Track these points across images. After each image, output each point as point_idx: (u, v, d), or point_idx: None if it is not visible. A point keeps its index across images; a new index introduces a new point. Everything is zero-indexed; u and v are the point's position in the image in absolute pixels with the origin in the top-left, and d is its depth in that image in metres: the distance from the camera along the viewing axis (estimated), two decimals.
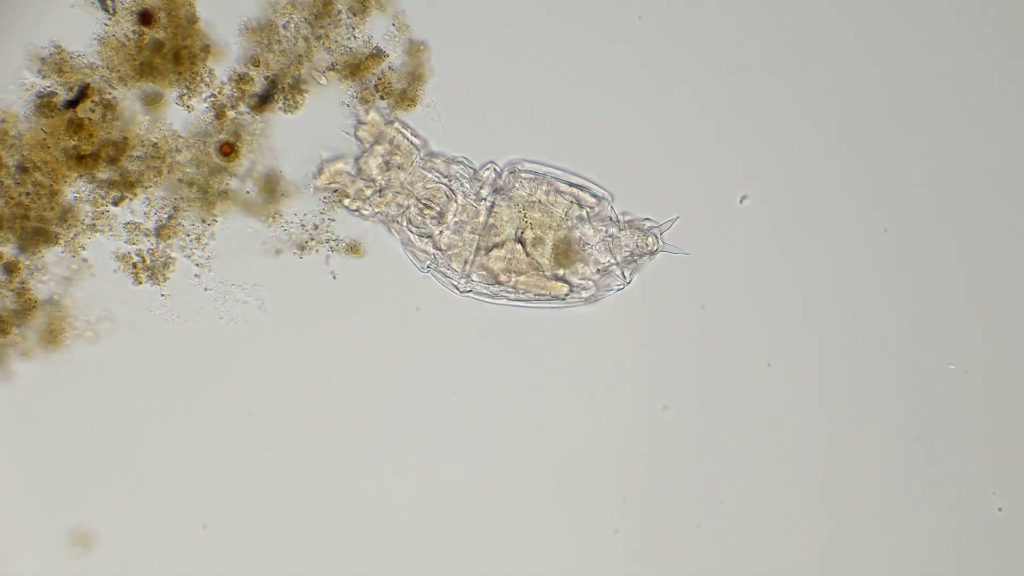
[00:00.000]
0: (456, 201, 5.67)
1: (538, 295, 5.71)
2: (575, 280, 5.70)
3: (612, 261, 5.70)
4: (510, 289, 5.70)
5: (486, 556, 5.82)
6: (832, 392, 5.90)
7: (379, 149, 5.64)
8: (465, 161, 5.69)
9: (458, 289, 5.71)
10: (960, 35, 5.88)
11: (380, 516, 5.81)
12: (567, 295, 5.71)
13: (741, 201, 5.83)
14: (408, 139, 5.67)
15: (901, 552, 5.89)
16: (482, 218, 5.67)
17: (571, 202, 5.69)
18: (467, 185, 5.68)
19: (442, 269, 5.70)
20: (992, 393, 5.90)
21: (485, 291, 5.72)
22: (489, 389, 5.84)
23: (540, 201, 5.67)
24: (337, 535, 5.79)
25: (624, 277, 5.73)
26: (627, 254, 5.72)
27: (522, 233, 5.67)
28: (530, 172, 5.72)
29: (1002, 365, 5.91)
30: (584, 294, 5.72)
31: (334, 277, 5.70)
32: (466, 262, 5.68)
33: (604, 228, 5.71)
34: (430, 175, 5.65)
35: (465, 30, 5.76)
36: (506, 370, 5.84)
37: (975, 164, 5.90)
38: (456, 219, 5.67)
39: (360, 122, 5.63)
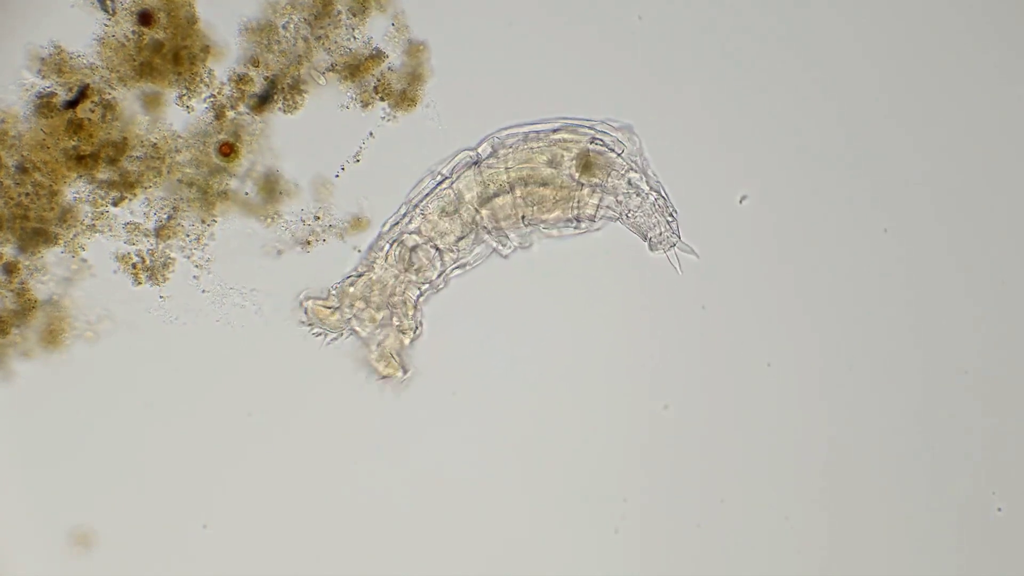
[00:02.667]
0: (420, 239, 5.69)
1: (566, 216, 5.70)
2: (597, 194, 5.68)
3: (619, 210, 5.71)
4: (534, 219, 5.69)
5: (486, 556, 5.82)
6: (832, 392, 5.90)
7: (359, 308, 5.70)
8: (396, 217, 5.73)
9: (501, 254, 5.72)
10: (960, 35, 5.88)
11: (380, 516, 5.81)
12: (596, 206, 5.68)
13: (741, 201, 5.83)
14: (345, 289, 5.71)
15: (901, 552, 5.89)
16: (460, 184, 5.68)
17: (575, 141, 5.70)
18: (416, 207, 5.71)
19: (474, 247, 5.72)
20: (992, 393, 5.90)
21: (519, 237, 5.71)
22: (489, 389, 5.84)
23: (533, 150, 5.68)
24: (337, 535, 5.79)
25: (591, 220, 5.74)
26: (638, 220, 5.72)
27: (521, 174, 5.67)
28: (512, 136, 5.72)
29: (1002, 365, 5.91)
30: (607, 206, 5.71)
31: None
32: (476, 224, 5.67)
33: (628, 172, 5.70)
34: (386, 265, 5.70)
35: (465, 30, 5.76)
36: (506, 370, 5.84)
37: (975, 164, 5.90)
38: (437, 230, 5.68)
39: (323, 328, 5.69)
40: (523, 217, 5.68)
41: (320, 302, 5.67)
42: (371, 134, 5.68)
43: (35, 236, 5.60)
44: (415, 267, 5.60)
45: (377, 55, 5.67)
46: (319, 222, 5.69)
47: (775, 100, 5.84)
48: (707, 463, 5.88)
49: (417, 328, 5.72)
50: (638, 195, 5.70)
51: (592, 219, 5.72)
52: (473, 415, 5.83)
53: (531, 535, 5.85)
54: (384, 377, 5.73)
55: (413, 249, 5.64)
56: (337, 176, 5.68)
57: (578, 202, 5.67)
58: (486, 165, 5.65)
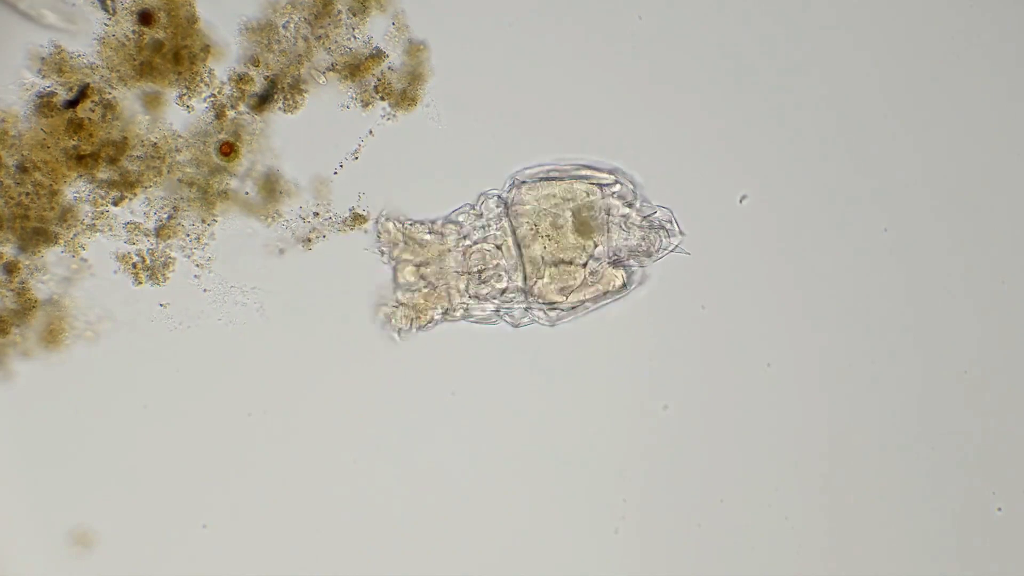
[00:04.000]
0: (491, 246, 5.69)
1: (604, 290, 5.72)
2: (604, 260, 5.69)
3: (620, 248, 5.71)
4: (569, 305, 5.72)
5: (486, 556, 5.82)
6: (832, 392, 5.90)
7: (405, 258, 5.68)
8: (467, 209, 5.71)
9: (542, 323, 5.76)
10: (960, 34, 5.88)
11: (380, 516, 5.80)
12: (622, 283, 5.70)
13: (741, 201, 5.83)
14: (418, 234, 5.69)
15: (901, 552, 5.89)
16: (511, 239, 5.68)
17: (588, 187, 5.70)
18: (482, 225, 5.70)
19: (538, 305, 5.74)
20: (992, 393, 5.90)
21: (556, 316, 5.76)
22: (489, 388, 5.84)
23: (553, 198, 5.67)
24: (337, 535, 5.79)
25: (624, 271, 5.74)
26: (633, 245, 5.72)
27: (543, 247, 5.69)
28: (532, 177, 5.72)
29: (1002, 365, 5.91)
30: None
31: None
32: (527, 290, 5.71)
33: (621, 208, 5.70)
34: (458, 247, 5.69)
35: (465, 30, 5.76)
36: (506, 369, 5.84)
37: (975, 163, 5.90)
38: (511, 273, 5.69)
39: (382, 243, 5.67)
40: (569, 305, 5.70)
41: (400, 227, 5.64)
42: (371, 132, 5.68)
43: (35, 236, 5.60)
44: (482, 280, 5.61)
45: (377, 55, 5.67)
46: (318, 219, 5.69)
47: (775, 100, 5.84)
48: (707, 463, 5.88)
49: (427, 324, 5.70)
50: (626, 227, 5.70)
51: (625, 286, 5.74)
52: (473, 415, 5.83)
53: (531, 535, 5.84)
54: (388, 318, 5.70)
55: (496, 268, 5.64)
56: (335, 173, 5.68)
57: (606, 280, 5.69)
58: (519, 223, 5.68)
